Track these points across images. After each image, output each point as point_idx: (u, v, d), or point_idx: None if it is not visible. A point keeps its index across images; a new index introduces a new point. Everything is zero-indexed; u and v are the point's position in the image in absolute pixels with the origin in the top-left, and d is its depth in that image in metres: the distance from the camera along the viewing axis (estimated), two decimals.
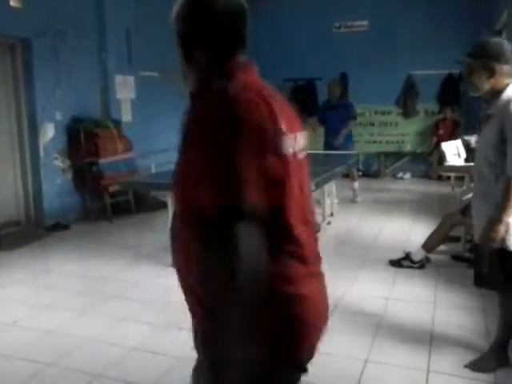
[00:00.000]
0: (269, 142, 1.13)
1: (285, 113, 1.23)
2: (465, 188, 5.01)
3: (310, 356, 1.32)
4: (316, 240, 1.33)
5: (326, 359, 2.71)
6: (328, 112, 7.22)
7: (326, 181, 4.77)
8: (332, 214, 6.23)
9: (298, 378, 1.31)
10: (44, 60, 5.68)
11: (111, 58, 6.64)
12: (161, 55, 7.62)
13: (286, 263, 1.19)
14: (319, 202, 5.98)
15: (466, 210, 3.96)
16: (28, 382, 2.56)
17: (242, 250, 1.03)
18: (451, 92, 9.30)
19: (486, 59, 2.36)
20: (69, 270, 4.38)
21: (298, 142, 1.29)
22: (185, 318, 3.34)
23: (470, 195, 4.71)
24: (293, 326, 1.20)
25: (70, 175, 6.14)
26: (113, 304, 3.59)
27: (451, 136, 7.70)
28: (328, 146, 7.08)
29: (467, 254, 4.32)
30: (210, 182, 1.08)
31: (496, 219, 2.32)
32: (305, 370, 1.31)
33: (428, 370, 2.58)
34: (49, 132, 5.82)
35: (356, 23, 9.84)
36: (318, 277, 1.31)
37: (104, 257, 4.73)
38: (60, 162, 6.02)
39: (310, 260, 1.25)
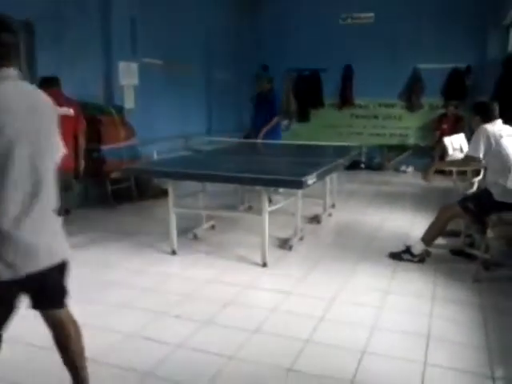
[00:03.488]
0: None
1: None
2: (467, 183, 4.99)
3: None
4: None
5: (325, 349, 2.72)
6: (256, 105, 7.08)
7: (328, 172, 4.75)
8: (333, 206, 6.22)
9: None
10: (47, 45, 5.64)
11: (115, 44, 6.60)
12: (164, 43, 7.62)
13: None
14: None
15: (463, 201, 3.96)
16: (26, 365, 2.57)
17: None
18: (456, 86, 9.26)
19: None
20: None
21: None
22: (182, 306, 3.36)
23: (473, 190, 4.72)
24: None
25: None
26: (111, 291, 3.59)
27: (454, 130, 7.66)
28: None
29: (467, 249, 4.32)
30: None
31: None
32: None
33: (425, 363, 2.58)
34: None
35: (362, 15, 9.78)
36: None
37: (104, 243, 4.73)
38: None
39: None
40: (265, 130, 6.73)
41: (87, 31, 6.24)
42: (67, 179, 4.39)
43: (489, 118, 3.94)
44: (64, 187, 3.73)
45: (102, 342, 2.79)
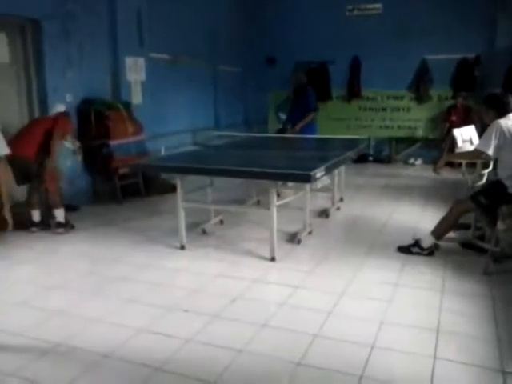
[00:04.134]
0: None
1: None
2: (476, 175, 4.95)
3: None
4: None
5: (334, 344, 2.73)
6: (293, 97, 7.09)
7: (337, 165, 4.74)
8: (342, 200, 6.20)
9: None
10: (54, 41, 5.66)
11: (122, 40, 6.60)
12: (171, 38, 7.61)
13: None
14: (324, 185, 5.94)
15: (476, 196, 3.92)
16: (39, 360, 2.60)
17: None
18: (465, 77, 9.16)
19: None
20: (77, 252, 4.42)
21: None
22: (190, 301, 3.37)
23: (482, 182, 4.69)
24: None
25: (80, 157, 6.15)
26: (120, 286, 3.62)
27: (464, 122, 7.59)
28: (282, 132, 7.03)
29: (477, 242, 4.29)
30: None
31: None
32: None
33: (434, 357, 2.57)
34: None
35: (369, 6, 9.69)
36: None
37: (112, 239, 4.76)
38: (70, 144, 6.02)
39: None
40: (300, 125, 6.75)
41: (94, 28, 6.24)
42: (26, 165, 4.80)
43: (504, 112, 3.82)
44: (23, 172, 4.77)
45: (112, 337, 2.82)
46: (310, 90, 7.03)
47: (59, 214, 4.98)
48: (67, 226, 5.01)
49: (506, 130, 3.72)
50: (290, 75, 10.09)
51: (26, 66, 5.60)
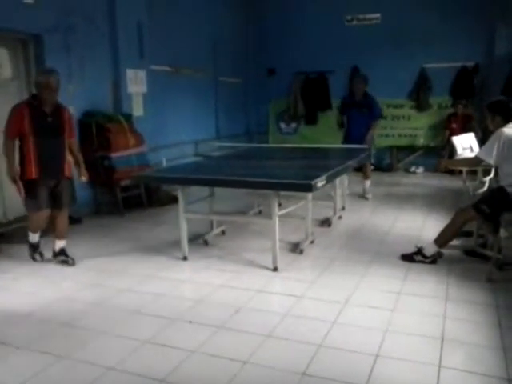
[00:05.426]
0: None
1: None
2: (477, 182, 4.95)
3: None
4: None
5: (339, 353, 2.72)
6: (352, 109, 6.97)
7: (338, 174, 4.74)
8: (343, 208, 6.21)
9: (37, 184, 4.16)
10: (56, 55, 5.69)
11: (122, 52, 6.65)
12: (172, 49, 7.67)
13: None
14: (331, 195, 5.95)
15: (478, 205, 3.92)
16: (41, 373, 2.59)
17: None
18: (465, 85, 9.20)
19: None
20: (81, 263, 4.41)
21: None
22: (194, 312, 3.37)
23: (484, 189, 4.69)
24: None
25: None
26: (124, 297, 3.62)
27: (464, 129, 7.62)
28: (348, 142, 6.81)
29: (480, 249, 4.28)
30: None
31: None
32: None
33: (439, 366, 2.56)
34: None
35: (368, 16, 9.77)
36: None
37: (115, 250, 4.76)
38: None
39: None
40: (371, 133, 6.78)
41: (95, 41, 6.29)
42: None
43: (509, 118, 3.84)
44: None
45: (117, 350, 2.81)
46: (373, 97, 6.99)
47: (30, 237, 4.49)
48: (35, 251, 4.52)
49: (509, 140, 3.72)
50: (292, 84, 10.19)
51: (28, 80, 5.63)
